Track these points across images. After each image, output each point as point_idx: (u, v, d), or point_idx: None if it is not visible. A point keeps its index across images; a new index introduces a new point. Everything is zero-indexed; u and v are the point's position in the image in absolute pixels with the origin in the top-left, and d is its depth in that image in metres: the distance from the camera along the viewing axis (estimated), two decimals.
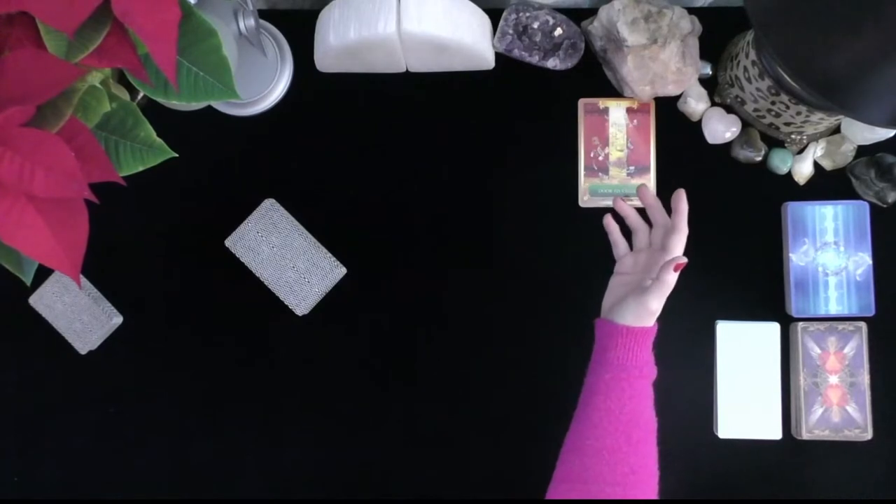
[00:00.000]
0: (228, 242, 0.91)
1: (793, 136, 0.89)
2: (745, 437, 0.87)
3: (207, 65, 0.66)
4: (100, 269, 0.92)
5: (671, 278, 0.72)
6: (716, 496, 0.89)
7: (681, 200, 0.75)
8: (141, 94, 0.87)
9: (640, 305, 0.73)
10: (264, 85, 0.91)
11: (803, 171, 0.90)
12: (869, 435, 0.86)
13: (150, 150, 0.67)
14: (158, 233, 0.93)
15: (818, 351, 0.87)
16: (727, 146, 0.91)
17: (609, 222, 0.80)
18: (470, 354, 0.91)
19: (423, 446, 0.91)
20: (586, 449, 0.71)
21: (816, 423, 0.86)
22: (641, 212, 0.88)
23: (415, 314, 0.92)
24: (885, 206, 0.89)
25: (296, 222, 0.91)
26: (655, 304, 0.72)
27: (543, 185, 0.92)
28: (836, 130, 0.90)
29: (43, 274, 0.91)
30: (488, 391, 0.91)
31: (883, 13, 0.65)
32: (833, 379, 0.87)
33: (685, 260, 0.72)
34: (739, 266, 0.90)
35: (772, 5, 0.70)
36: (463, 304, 0.91)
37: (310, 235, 0.91)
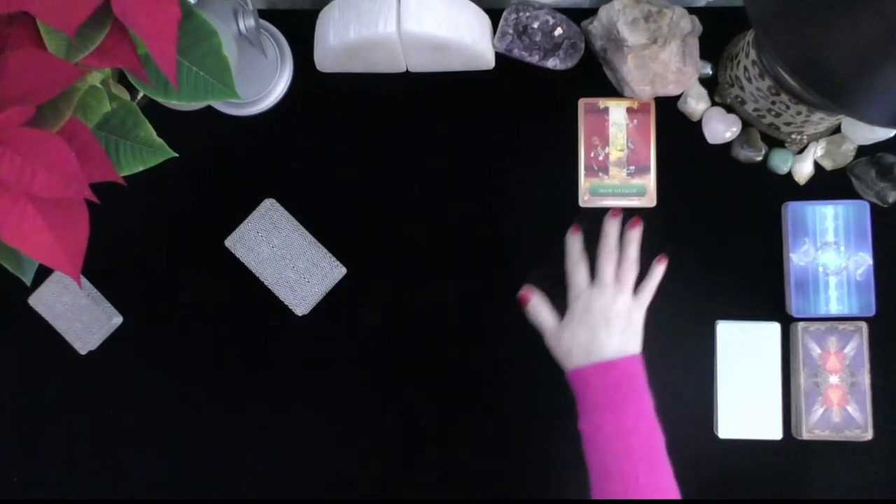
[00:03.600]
0: (228, 242, 0.91)
1: (793, 136, 0.89)
2: (745, 437, 0.87)
3: (207, 65, 0.66)
4: (100, 269, 0.92)
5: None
6: (716, 496, 0.89)
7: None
8: (141, 94, 0.87)
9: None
10: (264, 85, 0.91)
11: (803, 170, 0.90)
12: (869, 435, 0.86)
13: (150, 150, 0.67)
14: (158, 233, 0.93)
15: (819, 351, 0.87)
16: (727, 146, 0.91)
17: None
18: (470, 354, 0.91)
19: (424, 446, 0.91)
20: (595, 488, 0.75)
21: (817, 423, 0.86)
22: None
23: (415, 314, 0.92)
24: (885, 205, 0.89)
25: (296, 222, 0.91)
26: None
27: (543, 185, 0.92)
28: (837, 130, 0.90)
29: (43, 274, 0.91)
30: (488, 391, 0.91)
31: (883, 12, 0.65)
32: (833, 379, 0.87)
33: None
34: (739, 266, 0.90)
35: (772, 5, 0.70)
36: (463, 304, 0.91)
37: (310, 235, 0.91)
